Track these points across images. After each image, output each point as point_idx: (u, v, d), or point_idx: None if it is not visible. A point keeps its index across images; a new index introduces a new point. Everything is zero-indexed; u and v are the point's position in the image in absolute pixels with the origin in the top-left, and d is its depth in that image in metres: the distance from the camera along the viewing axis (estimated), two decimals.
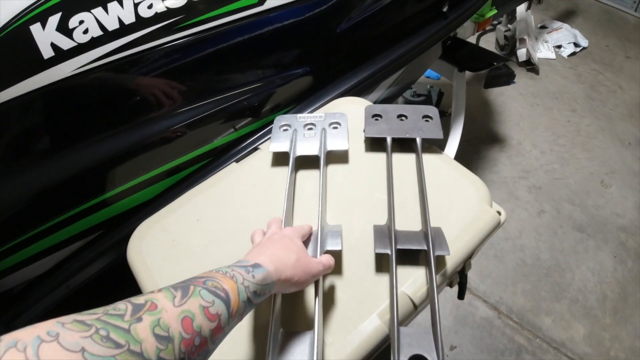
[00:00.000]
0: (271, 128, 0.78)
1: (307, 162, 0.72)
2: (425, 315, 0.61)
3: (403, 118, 0.75)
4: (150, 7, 0.66)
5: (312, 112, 0.85)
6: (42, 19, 0.62)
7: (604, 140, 2.05)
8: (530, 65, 2.40)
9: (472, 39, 1.88)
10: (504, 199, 1.81)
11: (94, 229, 0.74)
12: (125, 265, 0.67)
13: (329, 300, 0.57)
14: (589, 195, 1.83)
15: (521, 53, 2.35)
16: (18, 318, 0.71)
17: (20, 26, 0.61)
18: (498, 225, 0.66)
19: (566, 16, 2.84)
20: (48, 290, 0.72)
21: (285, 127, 0.75)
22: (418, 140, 0.71)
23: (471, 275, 1.57)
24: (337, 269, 0.60)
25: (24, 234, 0.68)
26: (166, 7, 0.67)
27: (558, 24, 2.71)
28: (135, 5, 0.66)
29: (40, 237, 0.69)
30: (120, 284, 0.81)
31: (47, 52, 0.62)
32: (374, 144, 0.74)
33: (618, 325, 1.45)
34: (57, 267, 0.73)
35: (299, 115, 0.76)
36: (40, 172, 0.67)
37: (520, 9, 2.24)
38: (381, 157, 0.72)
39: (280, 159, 0.74)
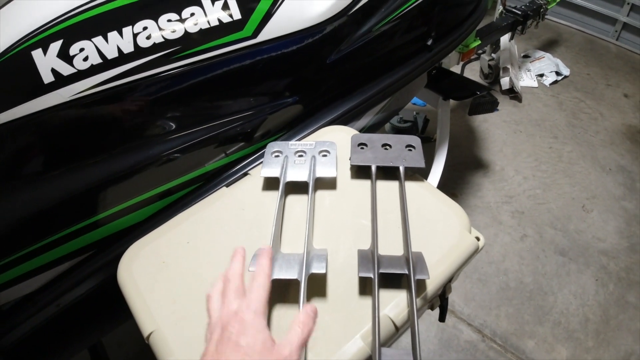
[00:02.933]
0: (262, 154, 0.81)
1: (297, 188, 0.75)
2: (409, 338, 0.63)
3: (387, 147, 0.78)
4: (148, 37, 0.69)
5: (300, 139, 0.88)
6: (44, 45, 0.65)
7: (585, 166, 2.11)
8: (513, 93, 2.48)
9: (457, 68, 1.94)
10: (488, 223, 1.85)
11: (86, 249, 0.76)
12: (116, 286, 0.68)
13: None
14: (571, 220, 1.88)
15: (504, 81, 2.43)
16: (6, 336, 0.72)
17: (22, 51, 0.64)
18: (477, 251, 0.69)
19: (549, 46, 2.94)
20: (38, 309, 0.73)
21: (276, 154, 0.78)
22: (401, 169, 0.75)
23: (455, 298, 1.60)
24: (322, 292, 0.62)
25: (16, 252, 0.69)
26: (164, 38, 0.70)
27: (540, 53, 2.80)
28: (135, 36, 0.69)
29: (32, 256, 0.70)
30: (111, 303, 0.82)
31: (47, 77, 0.65)
32: (360, 172, 0.78)
33: (600, 347, 1.47)
34: (48, 286, 0.74)
35: (290, 142, 0.79)
36: (34, 192, 0.68)
37: (504, 38, 2.32)
38: (366, 184, 0.75)
39: (270, 184, 0.76)
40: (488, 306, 1.59)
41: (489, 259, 1.72)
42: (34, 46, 0.64)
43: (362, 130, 1.10)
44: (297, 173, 0.74)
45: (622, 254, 1.75)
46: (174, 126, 0.77)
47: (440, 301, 0.71)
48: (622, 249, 1.77)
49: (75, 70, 0.66)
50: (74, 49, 0.66)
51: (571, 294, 1.63)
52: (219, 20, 0.74)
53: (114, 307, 0.83)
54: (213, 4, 0.74)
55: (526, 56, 2.79)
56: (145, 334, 0.60)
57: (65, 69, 0.65)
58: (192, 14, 0.73)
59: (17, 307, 0.73)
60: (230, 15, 0.75)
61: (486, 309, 1.58)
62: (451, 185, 1.98)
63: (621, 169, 2.09)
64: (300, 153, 0.77)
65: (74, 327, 0.84)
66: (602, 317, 1.55)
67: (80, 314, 0.81)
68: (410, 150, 0.77)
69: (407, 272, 0.60)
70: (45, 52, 0.65)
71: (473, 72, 2.64)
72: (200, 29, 0.73)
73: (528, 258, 1.74)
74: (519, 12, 2.13)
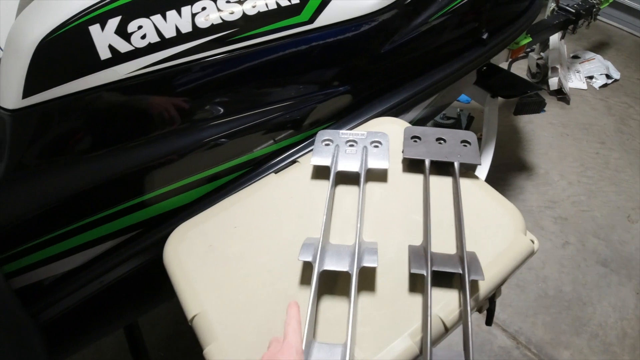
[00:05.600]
0: (311, 142, 0.80)
1: (346, 178, 0.73)
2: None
3: (442, 142, 0.76)
4: (207, 18, 0.69)
5: (350, 129, 0.86)
6: (102, 21, 0.64)
7: (633, 175, 2.02)
8: (561, 94, 2.39)
9: (504, 65, 1.88)
10: (529, 228, 1.77)
11: (132, 228, 0.76)
12: (159, 266, 0.68)
13: (362, 317, 0.57)
14: (615, 229, 1.81)
15: (553, 82, 2.35)
16: (48, 309, 0.73)
17: (79, 25, 0.63)
18: (532, 254, 0.67)
19: (599, 47, 2.83)
20: (81, 285, 0.74)
21: (327, 142, 0.76)
22: (456, 165, 0.72)
23: None
24: (371, 287, 0.61)
25: (63, 227, 0.69)
26: (222, 20, 0.70)
27: (591, 54, 2.70)
28: (193, 16, 0.68)
29: (78, 232, 0.71)
30: (152, 284, 0.83)
31: (104, 54, 0.64)
32: (412, 165, 0.75)
33: None
34: (93, 263, 0.75)
35: (341, 131, 0.78)
36: (86, 168, 0.69)
37: (554, 37, 2.24)
38: (418, 178, 0.73)
39: (319, 172, 0.75)
40: (525, 313, 1.54)
41: (528, 265, 1.67)
42: (92, 21, 0.64)
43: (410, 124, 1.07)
44: (349, 163, 0.73)
45: None
46: (224, 111, 0.76)
47: (489, 304, 0.69)
48: None
49: (133, 48, 0.66)
50: (132, 26, 0.66)
51: (610, 306, 1.57)
52: (277, 4, 0.73)
53: (156, 287, 0.84)
54: None
55: (575, 57, 2.69)
56: (190, 316, 0.60)
57: (123, 46, 0.65)
58: None
59: (59, 282, 0.73)
60: None
61: (522, 316, 1.53)
62: (493, 186, 1.92)
63: None
64: (352, 143, 0.76)
65: (115, 305, 0.85)
66: None
67: (122, 292, 0.81)
68: (465, 146, 0.75)
69: (461, 272, 0.58)
70: (103, 27, 0.64)
71: (520, 70, 2.56)
72: (259, 11, 0.72)
73: (569, 266, 1.68)
74: (572, 11, 2.05)
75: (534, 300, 1.57)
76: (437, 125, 2.00)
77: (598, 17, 2.35)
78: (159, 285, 0.69)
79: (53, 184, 0.68)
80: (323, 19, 0.76)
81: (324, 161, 0.73)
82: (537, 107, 1.81)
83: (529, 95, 1.64)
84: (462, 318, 0.57)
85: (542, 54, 2.38)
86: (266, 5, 0.72)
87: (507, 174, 2.01)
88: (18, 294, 0.67)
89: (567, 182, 1.98)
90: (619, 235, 1.79)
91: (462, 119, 1.97)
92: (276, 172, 0.77)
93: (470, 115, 2.00)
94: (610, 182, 1.99)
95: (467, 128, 2.01)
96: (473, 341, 0.52)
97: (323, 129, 0.86)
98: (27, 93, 0.63)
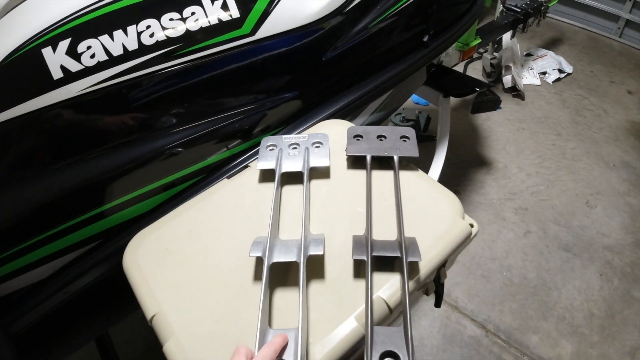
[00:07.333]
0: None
1: (293, 179, 0.77)
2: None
3: (382, 138, 0.81)
4: (151, 35, 0.73)
5: (299, 133, 0.91)
6: (53, 43, 0.68)
7: (589, 163, 2.11)
8: (516, 91, 2.49)
9: (460, 67, 1.95)
10: (491, 220, 1.86)
11: (93, 238, 0.79)
12: (122, 273, 0.71)
13: (312, 303, 0.61)
14: (575, 215, 1.88)
15: (507, 80, 2.44)
16: (17, 321, 0.75)
17: (33, 49, 0.68)
18: (470, 236, 0.71)
19: (552, 44, 2.95)
20: (46, 296, 0.76)
21: (271, 147, 0.81)
22: (395, 158, 0.77)
23: (459, 294, 1.61)
24: (319, 275, 0.64)
25: (26, 241, 0.72)
26: (166, 36, 0.74)
27: (543, 51, 2.81)
28: (139, 34, 0.72)
29: (41, 245, 0.73)
30: (117, 292, 0.85)
31: (56, 74, 0.68)
32: (355, 162, 0.80)
33: (605, 342, 1.47)
34: (56, 274, 0.77)
35: (284, 136, 0.82)
36: (44, 183, 0.72)
37: (506, 37, 2.34)
38: (362, 174, 0.78)
39: (267, 175, 0.79)
40: (492, 302, 1.59)
41: (492, 255, 1.73)
42: (44, 44, 0.68)
43: None
44: (292, 164, 0.77)
45: (626, 249, 1.75)
46: (176, 120, 0.80)
47: (436, 287, 0.73)
48: (627, 244, 1.77)
49: (83, 67, 0.69)
50: (81, 47, 0.69)
51: (575, 289, 1.63)
52: (219, 19, 0.78)
53: (120, 296, 0.86)
54: (213, 3, 0.77)
55: (529, 54, 2.80)
56: (149, 316, 0.63)
57: (74, 66, 0.69)
58: (193, 13, 0.76)
59: (28, 294, 0.76)
60: (229, 14, 0.78)
61: (490, 305, 1.58)
62: (454, 183, 2.00)
63: (625, 165, 2.09)
64: (294, 145, 0.80)
65: (82, 315, 0.87)
66: (607, 312, 1.55)
67: (88, 302, 0.84)
68: (404, 140, 0.80)
69: (399, 255, 0.62)
70: (54, 49, 0.68)
71: (476, 71, 2.65)
72: (201, 27, 0.76)
73: (532, 254, 1.74)
74: (519, 10, 2.15)
75: (500, 289, 1.63)
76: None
77: (549, 14, 2.45)
78: (123, 294, 0.72)
79: (16, 198, 0.71)
80: (264, 31, 0.81)
81: (269, 165, 0.77)
82: (493, 104, 1.88)
83: (484, 93, 1.71)
84: (402, 297, 0.61)
85: (495, 53, 2.48)
86: (208, 21, 0.77)
87: (467, 170, 2.08)
88: None
89: (526, 174, 2.06)
90: (579, 221, 1.86)
91: (420, 120, 2.04)
92: (228, 177, 0.81)
93: (428, 117, 2.07)
94: (567, 171, 2.07)
95: (425, 129, 2.08)
96: (411, 316, 0.57)
97: (274, 134, 0.91)
98: None
